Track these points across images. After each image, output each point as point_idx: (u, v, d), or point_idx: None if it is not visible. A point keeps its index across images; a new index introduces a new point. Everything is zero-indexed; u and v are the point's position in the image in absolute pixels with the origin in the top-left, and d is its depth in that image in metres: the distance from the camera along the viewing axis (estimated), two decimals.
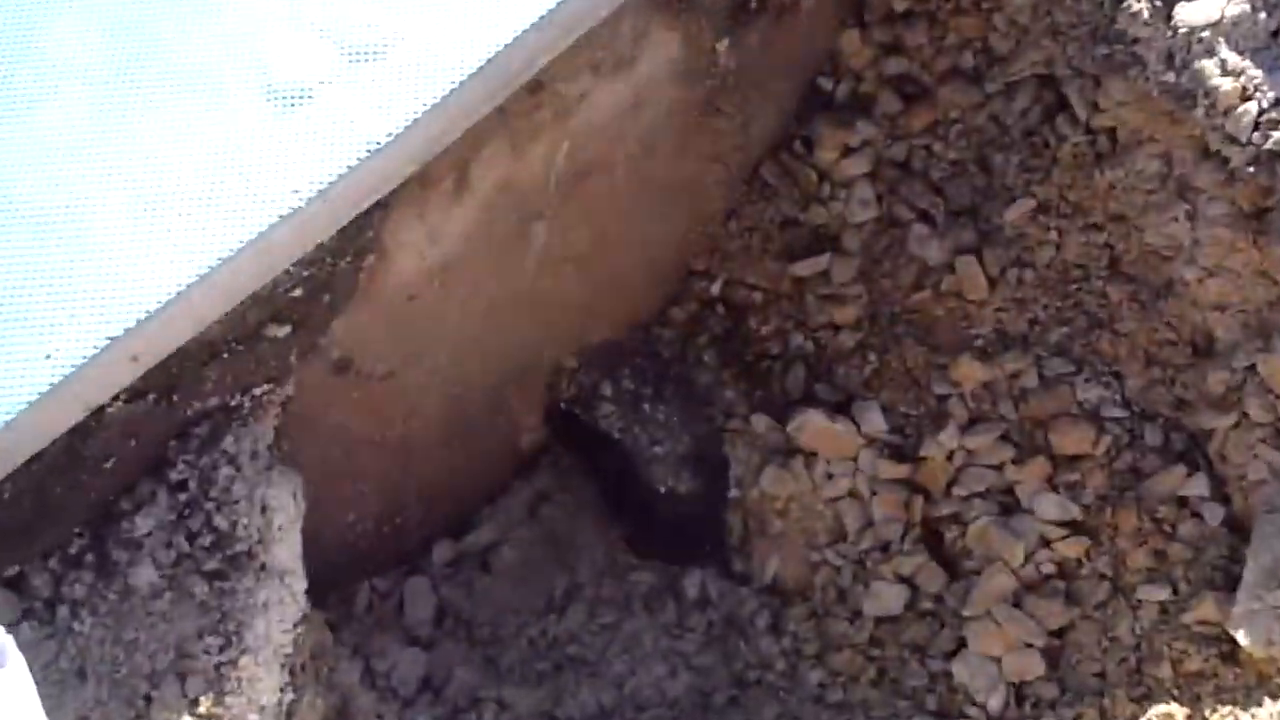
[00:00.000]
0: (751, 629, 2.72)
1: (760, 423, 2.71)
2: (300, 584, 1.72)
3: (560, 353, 2.60)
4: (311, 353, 1.79)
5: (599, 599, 2.89)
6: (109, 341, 1.44)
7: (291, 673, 1.72)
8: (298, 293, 1.65)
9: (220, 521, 1.65)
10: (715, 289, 2.79)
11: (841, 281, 2.68)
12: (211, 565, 1.64)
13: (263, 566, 1.68)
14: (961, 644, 2.47)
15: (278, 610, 1.67)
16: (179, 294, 1.46)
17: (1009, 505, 2.49)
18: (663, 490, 2.62)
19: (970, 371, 2.54)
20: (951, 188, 2.59)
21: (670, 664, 2.77)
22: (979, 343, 2.56)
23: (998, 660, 2.41)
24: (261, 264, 1.51)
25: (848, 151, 2.65)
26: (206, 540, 1.65)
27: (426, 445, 2.44)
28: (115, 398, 1.53)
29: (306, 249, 1.54)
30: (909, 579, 2.57)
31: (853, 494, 2.64)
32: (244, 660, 1.60)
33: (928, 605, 2.55)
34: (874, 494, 2.62)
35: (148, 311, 1.45)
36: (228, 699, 1.57)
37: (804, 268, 2.70)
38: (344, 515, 2.37)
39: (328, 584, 2.59)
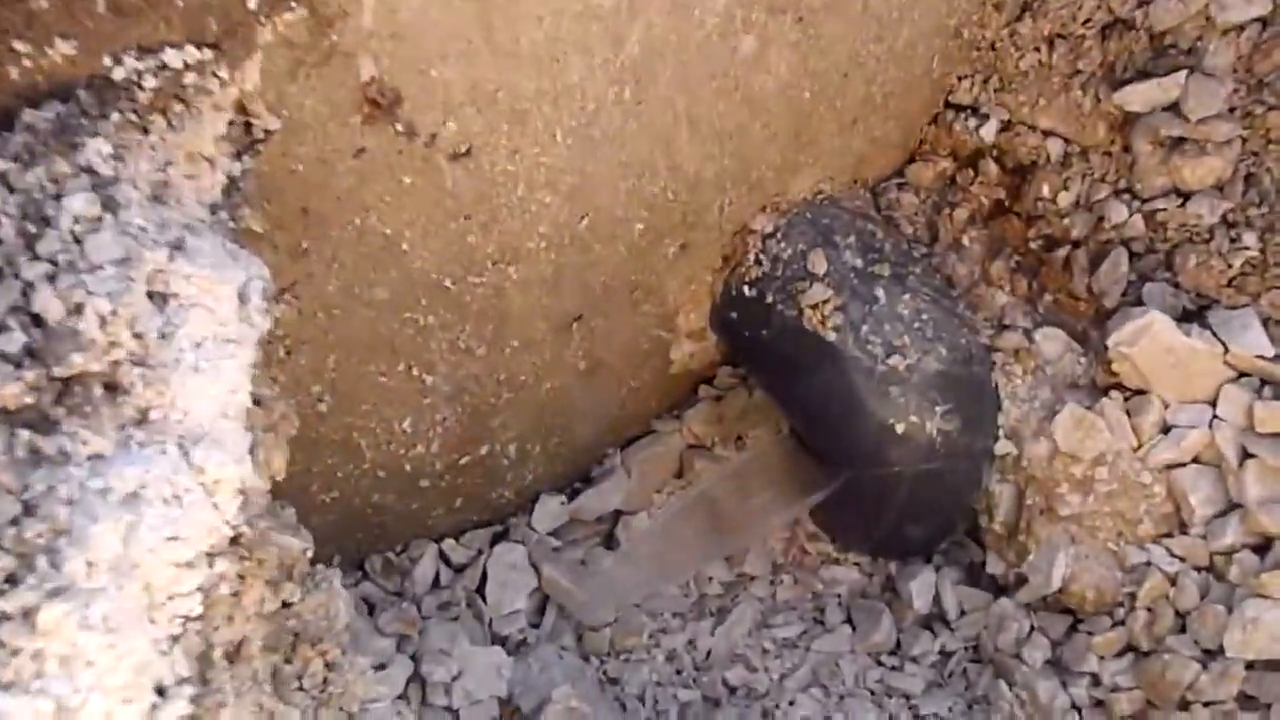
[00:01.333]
0: (1018, 665, 1.72)
1: (1052, 340, 1.73)
2: (233, 472, 0.79)
3: (748, 201, 1.65)
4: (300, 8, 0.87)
5: (776, 602, 1.92)
6: None
7: (202, 659, 0.79)
8: None
9: (50, 307, 0.74)
10: (987, 133, 1.81)
11: (1200, 118, 1.67)
12: (29, 394, 0.72)
13: (142, 417, 0.76)
14: None
15: (169, 516, 0.74)
16: None
17: None
18: (900, 429, 1.63)
19: None
20: None
21: (884, 710, 1.78)
22: None
23: None
24: None
25: None
26: (15, 342, 0.74)
27: (529, 322, 1.51)
28: None
29: None
30: None
31: (1205, 458, 1.63)
32: (58, 611, 0.68)
33: None
34: (1248, 458, 1.60)
35: None
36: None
37: (1136, 97, 1.70)
38: (393, 418, 1.46)
39: (366, 540, 1.69)
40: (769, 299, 1.68)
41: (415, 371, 1.43)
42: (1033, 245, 1.80)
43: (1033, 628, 1.75)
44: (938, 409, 1.63)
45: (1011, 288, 1.80)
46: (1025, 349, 1.74)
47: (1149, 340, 1.61)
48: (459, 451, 1.65)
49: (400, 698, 1.53)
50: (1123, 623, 1.67)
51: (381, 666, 1.54)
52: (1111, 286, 1.73)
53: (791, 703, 1.77)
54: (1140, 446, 1.66)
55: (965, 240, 1.82)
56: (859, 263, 1.67)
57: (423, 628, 1.62)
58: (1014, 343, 1.75)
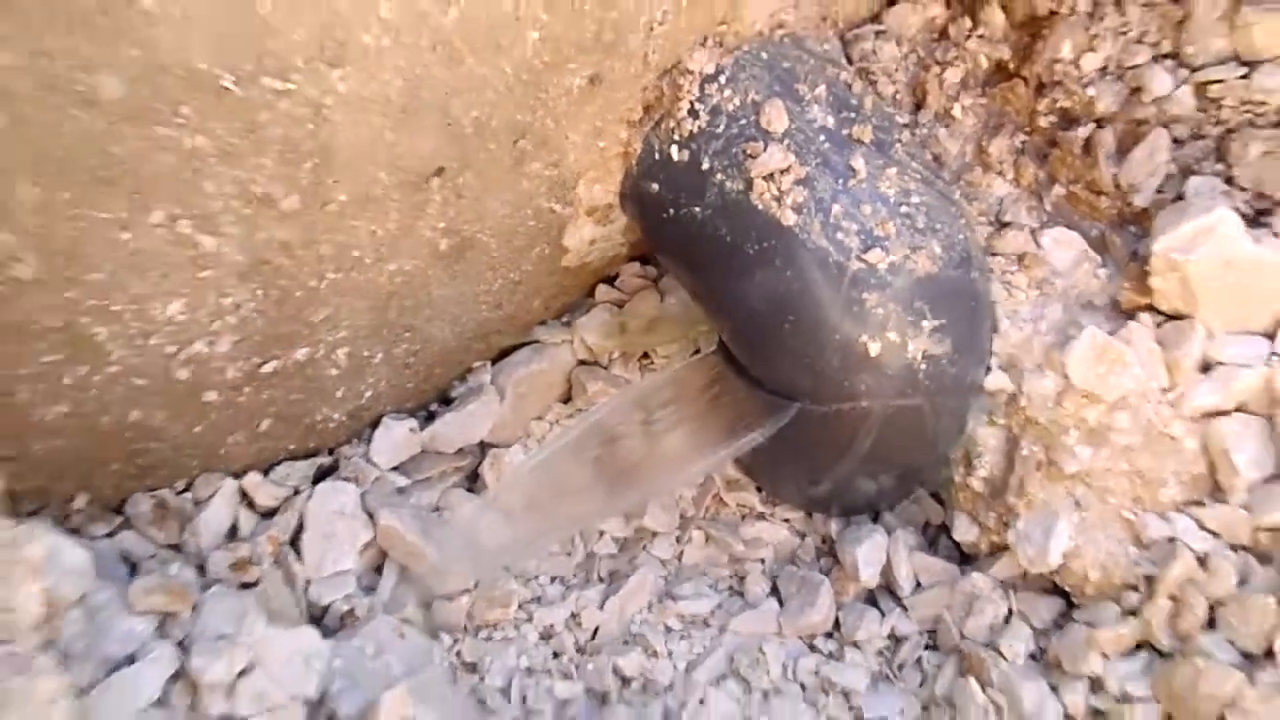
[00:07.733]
0: (993, 659, 1.33)
1: (1065, 245, 1.34)
2: None
3: (685, 27, 1.18)
4: None
5: (683, 566, 1.51)
6: None
7: None
8: None
9: None
10: None
11: None
12: None
13: None
14: None
15: None
16: None
17: None
18: (874, 350, 1.20)
19: None
20: None
21: (819, 710, 1.38)
22: None
23: None
24: None
25: None
26: None
27: (364, 167, 1.02)
28: None
29: None
30: None
31: (1255, 407, 1.26)
32: None
33: None
34: None
35: None
36: None
37: None
38: (151, 298, 0.96)
39: (128, 473, 1.20)
40: (705, 165, 1.22)
41: (182, 225, 0.93)
42: (1044, 121, 1.38)
43: (1013, 611, 1.37)
44: (925, 325, 1.21)
45: (1014, 175, 1.38)
46: (1031, 255, 1.33)
47: (1212, 248, 1.21)
48: (262, 354, 1.16)
49: (157, 704, 1.05)
50: (1135, 613, 1.29)
51: (130, 660, 1.06)
52: (1145, 179, 1.32)
53: (702, 700, 1.35)
54: (1173, 387, 1.27)
55: (956, 110, 1.39)
56: (830, 121, 1.22)
57: (199, 601, 1.14)
58: (1016, 245, 1.34)
